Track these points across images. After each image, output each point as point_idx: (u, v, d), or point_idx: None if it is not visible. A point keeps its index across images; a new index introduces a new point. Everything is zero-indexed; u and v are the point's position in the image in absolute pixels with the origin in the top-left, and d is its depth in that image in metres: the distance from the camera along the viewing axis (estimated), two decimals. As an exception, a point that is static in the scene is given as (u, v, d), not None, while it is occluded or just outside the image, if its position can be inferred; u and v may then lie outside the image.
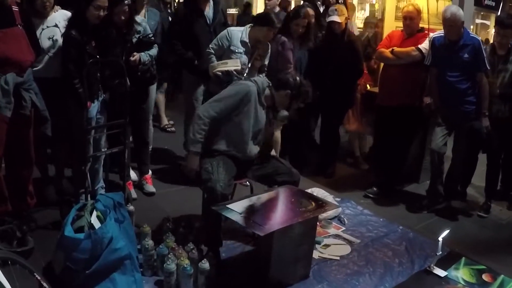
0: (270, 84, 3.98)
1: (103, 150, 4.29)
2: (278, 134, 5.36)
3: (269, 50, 4.91)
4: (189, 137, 3.85)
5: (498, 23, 4.79)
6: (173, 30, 5.29)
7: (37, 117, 3.90)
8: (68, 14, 4.18)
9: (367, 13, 9.34)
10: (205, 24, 5.20)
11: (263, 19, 4.69)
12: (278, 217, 3.41)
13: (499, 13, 6.31)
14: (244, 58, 4.71)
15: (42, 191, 4.47)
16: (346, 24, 5.47)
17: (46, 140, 4.20)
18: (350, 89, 5.77)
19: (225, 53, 4.75)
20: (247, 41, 4.71)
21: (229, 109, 3.83)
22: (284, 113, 4.03)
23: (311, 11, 5.44)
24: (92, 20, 3.94)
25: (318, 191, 4.74)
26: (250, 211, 3.44)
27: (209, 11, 5.28)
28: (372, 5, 10.99)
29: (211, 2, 5.30)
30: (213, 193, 3.60)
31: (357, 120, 6.21)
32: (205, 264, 3.40)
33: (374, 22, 6.79)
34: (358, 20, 9.07)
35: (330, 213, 4.56)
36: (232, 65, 4.63)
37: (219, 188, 3.59)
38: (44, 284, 2.75)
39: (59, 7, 4.26)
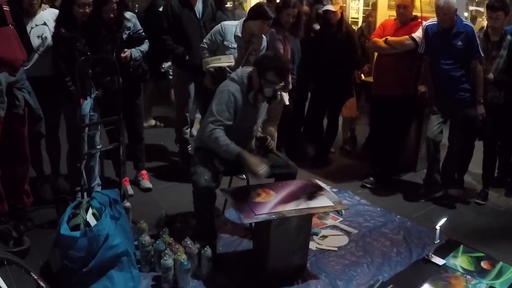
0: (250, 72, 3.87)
1: (98, 147, 4.29)
2: (274, 129, 5.34)
3: (265, 44, 4.86)
4: (222, 151, 3.70)
5: (489, 7, 4.77)
6: (162, 25, 5.25)
7: (31, 116, 3.90)
8: (56, 12, 4.16)
9: (361, 3, 9.28)
10: (195, 18, 5.17)
11: (256, 12, 4.63)
12: (270, 208, 3.40)
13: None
14: (238, 53, 4.67)
15: (38, 190, 4.47)
16: (341, 14, 5.45)
17: (40, 139, 4.20)
18: (347, 80, 5.75)
19: (219, 48, 4.71)
20: (241, 36, 4.67)
21: (230, 112, 3.77)
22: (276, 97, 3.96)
23: (306, 8, 5.44)
24: (79, 18, 3.93)
25: (314, 183, 4.73)
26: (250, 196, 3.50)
27: (198, 5, 5.25)
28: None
29: None
30: (196, 186, 3.65)
31: (351, 105, 6.18)
32: (207, 251, 3.46)
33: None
34: (353, 10, 9.03)
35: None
36: (225, 61, 4.58)
37: (203, 181, 3.61)
38: (41, 284, 2.76)
39: (47, 5, 4.24)
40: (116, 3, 4.20)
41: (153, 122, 7.14)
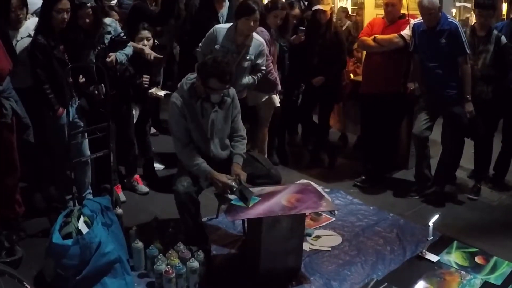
0: None
1: (87, 155, 4.26)
2: (265, 131, 5.34)
3: (262, 48, 4.69)
4: (193, 170, 3.75)
5: (479, 5, 4.78)
6: (184, 28, 5.22)
7: (19, 125, 3.88)
8: None
9: (349, 3, 9.32)
10: (217, 24, 5.08)
11: (240, 10, 4.52)
12: (261, 209, 3.40)
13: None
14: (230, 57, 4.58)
15: (30, 199, 4.44)
16: (331, 14, 5.46)
17: (30, 147, 4.17)
18: (336, 81, 5.75)
19: (212, 52, 4.60)
20: (233, 39, 4.56)
21: (182, 125, 3.79)
22: None
23: (297, 11, 5.45)
24: (57, 24, 3.91)
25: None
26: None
27: (223, 11, 5.25)
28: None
29: (227, 3, 5.29)
30: (175, 193, 3.65)
31: (339, 118, 6.22)
32: (193, 263, 3.40)
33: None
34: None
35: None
36: None
37: (181, 188, 3.62)
38: (34, 293, 2.75)
39: (30, 14, 4.21)
40: (92, 8, 4.17)
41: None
